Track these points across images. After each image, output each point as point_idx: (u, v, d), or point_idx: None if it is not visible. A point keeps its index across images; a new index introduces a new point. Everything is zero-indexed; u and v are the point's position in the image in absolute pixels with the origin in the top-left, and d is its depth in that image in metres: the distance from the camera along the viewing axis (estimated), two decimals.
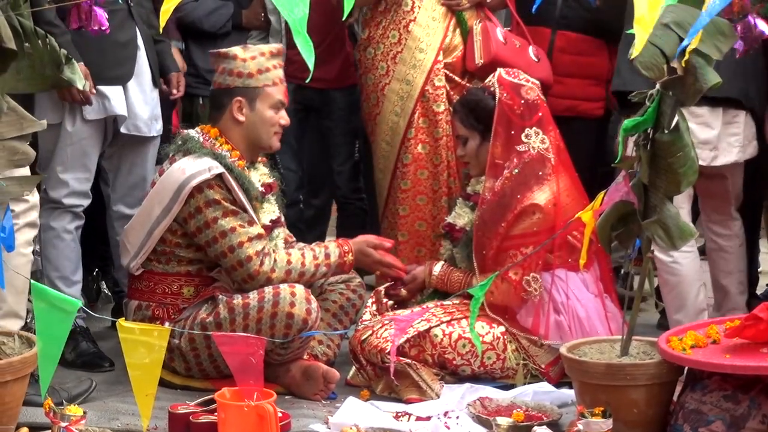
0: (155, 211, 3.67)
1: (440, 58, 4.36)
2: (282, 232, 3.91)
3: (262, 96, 3.75)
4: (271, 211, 3.86)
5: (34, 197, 3.44)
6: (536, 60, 4.33)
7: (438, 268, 3.96)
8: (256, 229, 3.67)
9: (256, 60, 3.74)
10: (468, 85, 4.35)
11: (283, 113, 3.80)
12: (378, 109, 4.44)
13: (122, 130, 3.98)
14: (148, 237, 3.69)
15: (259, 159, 3.91)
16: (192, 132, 3.78)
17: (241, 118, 3.75)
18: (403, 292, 3.97)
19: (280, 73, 3.79)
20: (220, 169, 3.62)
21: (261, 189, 3.81)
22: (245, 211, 3.67)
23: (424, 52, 4.35)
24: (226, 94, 3.76)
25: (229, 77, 3.75)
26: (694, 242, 3.86)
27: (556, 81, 4.36)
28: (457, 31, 4.41)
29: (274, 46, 3.83)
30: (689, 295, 3.85)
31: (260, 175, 3.86)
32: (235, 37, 4.78)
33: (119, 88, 3.93)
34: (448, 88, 4.37)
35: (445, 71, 4.37)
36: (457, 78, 4.39)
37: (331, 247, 3.79)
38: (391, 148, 4.43)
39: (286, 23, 4.42)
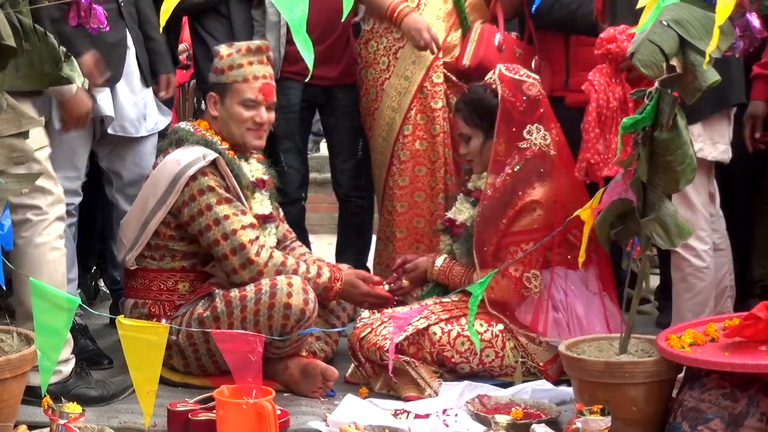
0: (150, 203, 3.68)
1: (440, 55, 4.36)
2: (274, 228, 3.91)
3: (230, 92, 3.79)
4: (261, 204, 3.86)
5: (58, 189, 3.45)
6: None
7: (440, 261, 3.96)
8: (249, 218, 3.68)
9: (231, 57, 3.80)
10: (463, 85, 4.36)
11: (257, 111, 3.79)
12: (377, 104, 4.45)
13: (109, 130, 3.96)
14: (143, 230, 3.70)
15: (256, 156, 3.92)
16: (182, 124, 3.84)
17: (215, 113, 3.83)
18: (405, 282, 3.97)
19: (256, 69, 3.80)
20: (214, 155, 3.65)
21: (252, 179, 3.82)
22: (239, 199, 3.69)
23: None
24: (208, 89, 3.87)
25: (212, 74, 3.85)
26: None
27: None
28: (459, 32, 4.41)
29: (255, 43, 3.85)
30: (710, 302, 3.81)
31: (252, 170, 3.87)
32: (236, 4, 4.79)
33: (107, 89, 3.91)
34: (446, 86, 4.38)
35: (444, 70, 4.37)
36: (453, 77, 4.40)
37: (325, 269, 3.78)
38: (386, 143, 4.44)
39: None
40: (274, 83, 3.87)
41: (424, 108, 4.38)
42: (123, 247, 3.78)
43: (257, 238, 3.66)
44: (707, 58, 2.77)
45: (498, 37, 4.31)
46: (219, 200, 3.64)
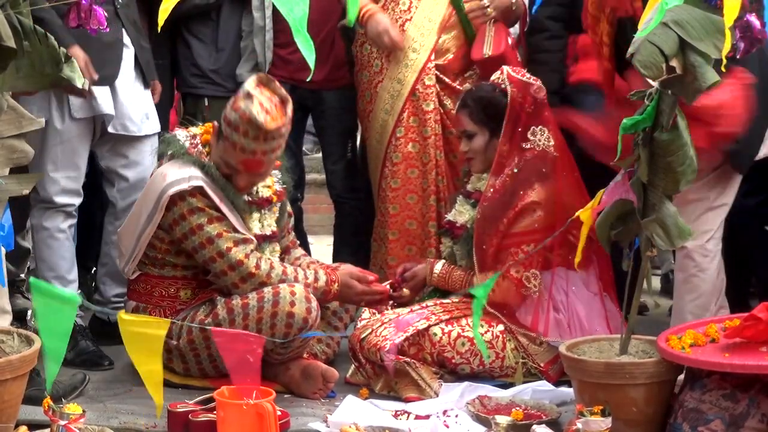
0: (142, 216, 3.66)
1: (432, 58, 4.36)
2: (276, 247, 3.84)
3: (222, 141, 3.60)
4: (261, 222, 3.78)
5: None
6: None
7: (439, 266, 3.95)
8: (242, 234, 3.64)
9: (236, 113, 3.51)
10: (459, 87, 4.36)
11: (237, 174, 3.61)
12: (371, 106, 4.45)
13: (110, 129, 3.97)
14: (136, 243, 3.69)
15: None
16: (178, 134, 3.74)
17: (213, 141, 3.67)
18: (406, 291, 3.96)
19: (246, 142, 3.50)
20: (199, 183, 3.57)
21: (247, 198, 3.72)
22: (229, 218, 3.64)
23: (417, 52, 4.36)
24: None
25: (225, 112, 3.60)
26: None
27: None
28: (452, 33, 4.38)
29: (259, 119, 3.47)
30: (711, 307, 3.80)
31: (261, 187, 3.80)
32: (228, 7, 4.77)
33: (106, 88, 3.92)
34: (439, 88, 4.38)
35: (436, 72, 4.37)
36: (447, 80, 4.39)
37: (320, 273, 3.75)
38: (380, 146, 4.44)
39: (273, 13, 4.46)
40: (268, 158, 3.58)
41: (416, 111, 4.37)
42: (121, 256, 3.77)
43: (252, 251, 3.63)
44: (723, 60, 2.78)
45: (509, 36, 4.33)
46: (210, 219, 3.59)
